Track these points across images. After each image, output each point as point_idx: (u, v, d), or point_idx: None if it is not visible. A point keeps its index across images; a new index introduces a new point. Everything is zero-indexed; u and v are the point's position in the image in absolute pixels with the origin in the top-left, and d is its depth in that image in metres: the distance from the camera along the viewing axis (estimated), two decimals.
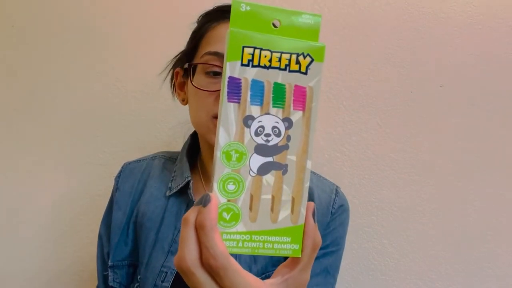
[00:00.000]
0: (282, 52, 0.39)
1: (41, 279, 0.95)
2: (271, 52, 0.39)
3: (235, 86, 0.38)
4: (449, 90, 0.91)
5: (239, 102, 0.38)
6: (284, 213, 0.40)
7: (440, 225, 0.91)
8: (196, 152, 0.73)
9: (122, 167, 0.75)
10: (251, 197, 0.39)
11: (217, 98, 0.62)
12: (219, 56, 0.62)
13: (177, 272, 0.63)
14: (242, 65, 0.38)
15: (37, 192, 0.96)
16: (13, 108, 0.97)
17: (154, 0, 0.95)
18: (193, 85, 0.65)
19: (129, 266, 0.70)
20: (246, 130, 0.39)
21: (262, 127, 0.39)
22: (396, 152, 0.92)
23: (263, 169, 0.39)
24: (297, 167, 0.40)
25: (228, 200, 0.38)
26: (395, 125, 0.92)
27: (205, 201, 0.36)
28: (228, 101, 0.38)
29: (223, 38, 0.64)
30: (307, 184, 0.40)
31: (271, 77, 0.39)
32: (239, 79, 0.38)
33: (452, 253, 0.91)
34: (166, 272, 0.63)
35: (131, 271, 0.70)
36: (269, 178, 0.40)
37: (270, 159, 0.39)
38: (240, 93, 0.38)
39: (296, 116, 0.40)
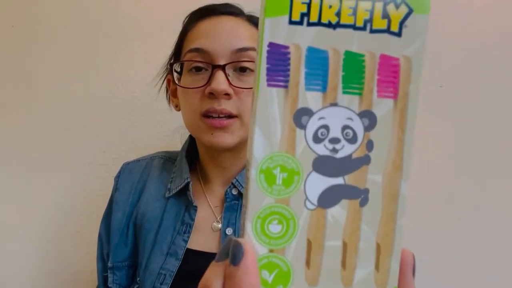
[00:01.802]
0: None
1: (41, 279, 0.95)
2: None
3: (279, 59, 0.24)
4: (449, 90, 0.91)
5: (286, 87, 0.24)
6: (363, 270, 0.25)
7: (440, 225, 0.91)
8: (196, 153, 0.73)
9: (122, 167, 0.76)
10: (309, 244, 0.25)
11: (203, 95, 0.61)
12: (200, 51, 0.62)
13: (175, 275, 0.63)
14: (292, 22, 0.24)
15: (37, 192, 0.96)
16: (13, 108, 0.97)
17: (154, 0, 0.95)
18: (177, 84, 0.65)
19: (129, 267, 0.70)
20: (299, 132, 0.25)
21: (326, 127, 0.25)
22: None
23: (328, 198, 0.25)
24: (385, 194, 0.26)
25: (271, 251, 0.25)
26: None
27: (235, 255, 0.23)
28: (268, 85, 0.24)
29: (204, 34, 0.63)
30: (401, 221, 0.26)
31: (340, 43, 0.24)
32: (286, 47, 0.24)
33: (452, 253, 0.91)
34: (165, 275, 0.63)
35: (131, 272, 0.70)
36: (337, 213, 0.25)
37: (339, 180, 0.25)
38: (289, 70, 0.24)
39: (383, 107, 0.25)
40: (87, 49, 0.96)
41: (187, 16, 0.70)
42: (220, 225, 0.65)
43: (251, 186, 0.24)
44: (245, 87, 0.61)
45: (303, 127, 0.24)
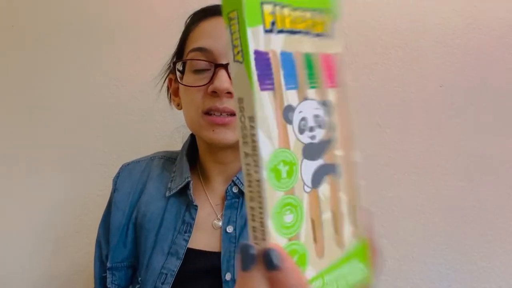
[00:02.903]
0: (304, 9, 0.28)
1: (40, 279, 0.95)
2: (293, 9, 0.28)
3: (264, 65, 0.26)
4: (449, 90, 0.91)
5: (273, 89, 0.26)
6: (347, 229, 0.30)
7: (440, 225, 0.91)
8: (196, 152, 0.73)
9: (121, 168, 0.75)
10: (313, 223, 0.27)
11: (206, 93, 0.61)
12: (203, 51, 0.62)
13: (177, 274, 0.63)
14: (266, 31, 0.26)
15: (37, 192, 0.96)
16: (13, 108, 0.97)
17: None
18: (180, 82, 0.65)
19: (128, 267, 0.70)
20: (289, 128, 0.27)
21: (304, 119, 0.28)
22: (396, 152, 0.92)
23: (317, 178, 0.28)
24: (347, 164, 0.30)
25: (290, 239, 0.26)
26: (395, 125, 0.92)
27: (273, 260, 0.23)
28: (261, 89, 0.25)
29: (206, 34, 0.63)
30: (359, 182, 0.30)
31: (299, 46, 0.28)
32: (267, 54, 0.26)
33: (452, 253, 0.91)
34: (166, 274, 0.63)
35: (130, 272, 0.70)
36: (325, 189, 0.29)
37: (320, 162, 0.28)
38: (272, 74, 0.26)
39: (331, 96, 0.30)
40: (87, 49, 0.96)
41: (189, 16, 0.70)
42: (220, 223, 0.65)
43: (264, 187, 0.25)
44: None
45: (290, 122, 0.27)
